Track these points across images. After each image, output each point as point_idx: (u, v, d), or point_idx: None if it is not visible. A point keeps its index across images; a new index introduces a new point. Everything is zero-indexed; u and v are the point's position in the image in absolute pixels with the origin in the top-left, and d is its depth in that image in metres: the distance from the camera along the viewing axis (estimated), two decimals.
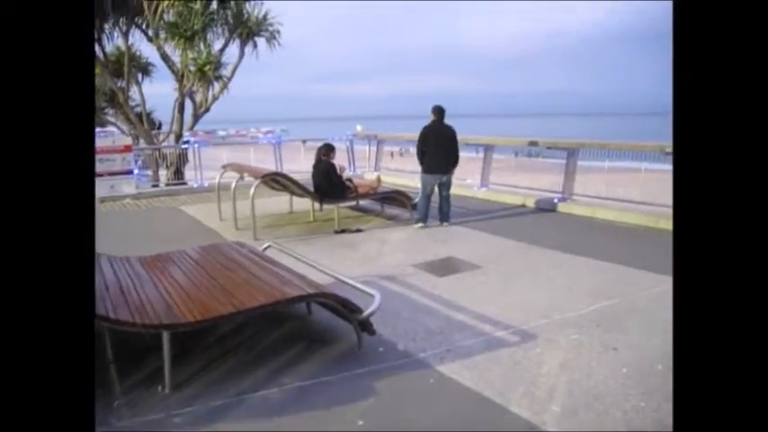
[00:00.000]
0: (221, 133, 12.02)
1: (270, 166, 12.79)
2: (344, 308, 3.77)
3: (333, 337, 4.23)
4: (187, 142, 12.19)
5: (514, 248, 6.95)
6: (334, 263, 5.96)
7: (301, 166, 14.05)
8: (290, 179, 7.69)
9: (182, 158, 12.72)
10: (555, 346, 4.06)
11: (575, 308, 4.79)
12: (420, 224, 8.16)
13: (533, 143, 9.51)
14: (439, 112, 8.14)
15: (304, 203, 9.11)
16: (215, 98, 11.80)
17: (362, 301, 3.98)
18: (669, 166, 8.46)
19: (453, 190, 11.51)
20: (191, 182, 12.21)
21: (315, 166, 8.20)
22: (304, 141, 13.53)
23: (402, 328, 4.39)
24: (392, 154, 16.23)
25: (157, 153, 13.36)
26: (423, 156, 8.19)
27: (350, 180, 8.54)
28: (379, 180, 8.70)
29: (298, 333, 4.29)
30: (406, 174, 12.95)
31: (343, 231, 7.92)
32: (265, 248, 5.52)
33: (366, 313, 3.74)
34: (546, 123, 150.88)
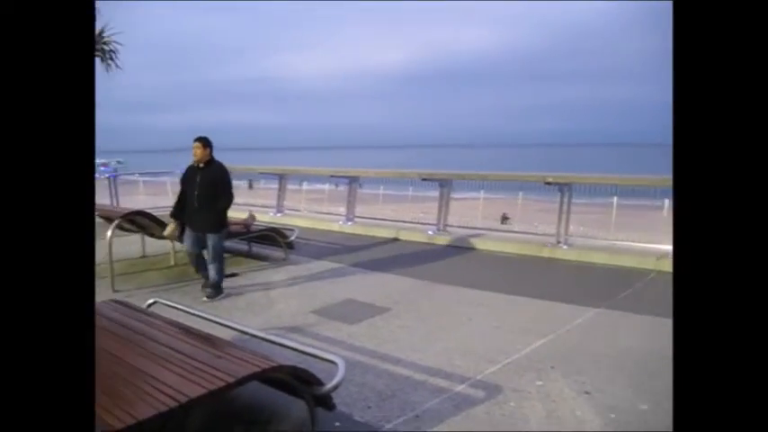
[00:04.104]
0: None
1: (104, 202, 11.12)
2: (297, 380, 2.99)
3: (269, 415, 3.38)
4: None
5: (413, 286, 6.51)
6: (220, 313, 5.03)
7: (139, 202, 12.48)
8: (154, 218, 6.52)
9: None
10: (526, 396, 3.63)
11: (515, 349, 4.44)
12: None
13: (426, 177, 9.22)
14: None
15: (158, 245, 7.90)
16: None
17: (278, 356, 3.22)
18: (549, 196, 8.72)
19: (316, 225, 11.01)
20: None
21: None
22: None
23: (346, 393, 3.66)
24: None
25: None
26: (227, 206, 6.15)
27: None
28: (252, 217, 7.79)
29: (223, 414, 3.37)
30: (258, 209, 12.04)
31: None
32: (150, 305, 4.47)
33: (329, 386, 2.98)
34: (364, 155, 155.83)
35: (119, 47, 10.14)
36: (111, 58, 10.18)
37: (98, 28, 9.94)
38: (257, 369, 2.73)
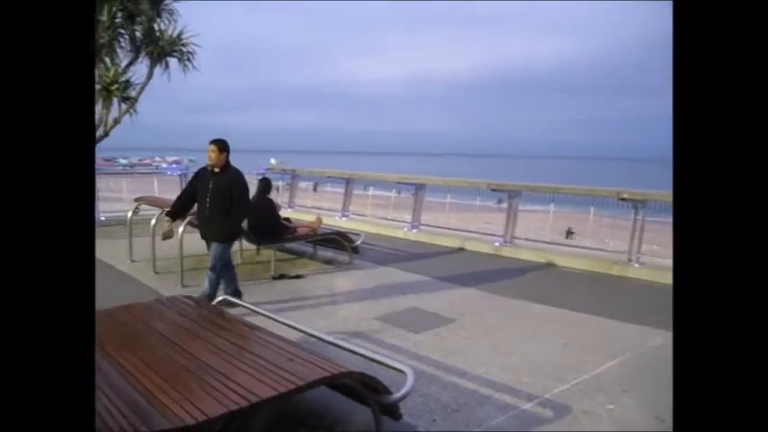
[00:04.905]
0: (123, 161, 10.58)
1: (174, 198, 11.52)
2: (365, 387, 2.97)
3: (332, 420, 3.39)
4: None
5: (479, 298, 6.41)
6: (284, 315, 5.09)
7: None
8: None
9: None
10: (597, 419, 3.51)
11: (584, 369, 4.30)
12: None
13: (495, 188, 9.14)
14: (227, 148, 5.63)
15: None
16: (116, 121, 10.36)
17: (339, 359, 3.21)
18: (623, 212, 8.42)
19: (381, 230, 11.02)
20: None
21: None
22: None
23: (411, 404, 3.62)
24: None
25: None
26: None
27: (288, 219, 7.67)
28: (319, 220, 7.90)
29: (286, 416, 3.39)
30: (324, 212, 12.19)
31: (281, 277, 7.01)
32: (219, 302, 4.58)
33: (398, 395, 2.96)
34: (428, 162, 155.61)
35: (196, 48, 10.51)
36: (189, 59, 10.50)
37: (177, 30, 10.33)
38: (327, 374, 2.74)
